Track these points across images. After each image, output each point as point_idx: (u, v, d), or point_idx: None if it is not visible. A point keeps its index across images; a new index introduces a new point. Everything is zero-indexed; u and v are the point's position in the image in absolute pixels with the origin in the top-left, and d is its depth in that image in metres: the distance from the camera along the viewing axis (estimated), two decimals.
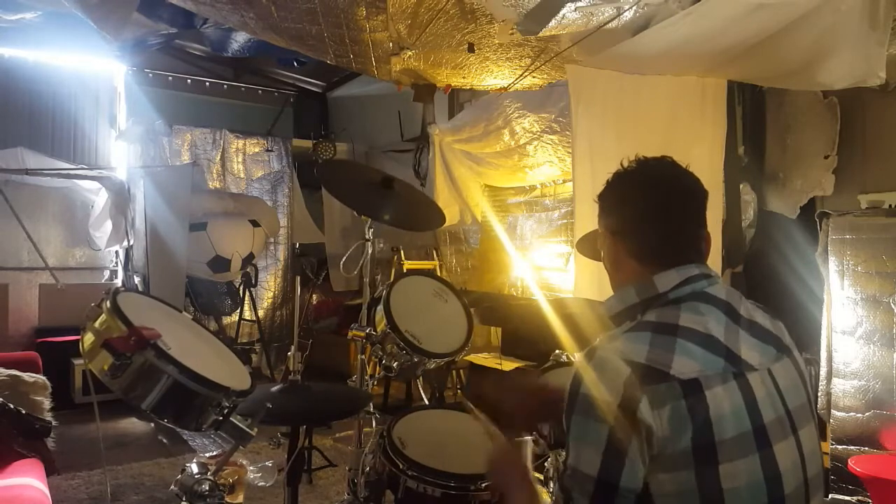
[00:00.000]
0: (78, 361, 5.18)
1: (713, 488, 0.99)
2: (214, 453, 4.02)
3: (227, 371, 1.65)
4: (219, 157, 6.40)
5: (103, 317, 1.49)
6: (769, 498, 1.02)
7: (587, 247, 2.48)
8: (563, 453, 2.04)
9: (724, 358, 1.06)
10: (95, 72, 6.14)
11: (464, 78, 3.96)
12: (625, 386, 1.01)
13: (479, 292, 5.41)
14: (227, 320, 6.34)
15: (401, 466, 1.71)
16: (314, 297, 6.77)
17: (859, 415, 3.01)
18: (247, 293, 6.19)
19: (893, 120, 3.14)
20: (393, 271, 5.72)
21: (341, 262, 2.35)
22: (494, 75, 3.85)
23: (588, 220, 3.02)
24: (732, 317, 1.13)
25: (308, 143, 6.87)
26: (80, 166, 5.79)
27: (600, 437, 1.01)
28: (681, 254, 1.18)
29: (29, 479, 2.56)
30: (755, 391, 1.05)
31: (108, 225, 5.61)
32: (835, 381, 3.08)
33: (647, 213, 1.20)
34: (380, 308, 2.10)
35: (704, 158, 3.21)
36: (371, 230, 2.29)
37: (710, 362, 1.04)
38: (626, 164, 1.24)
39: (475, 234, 5.79)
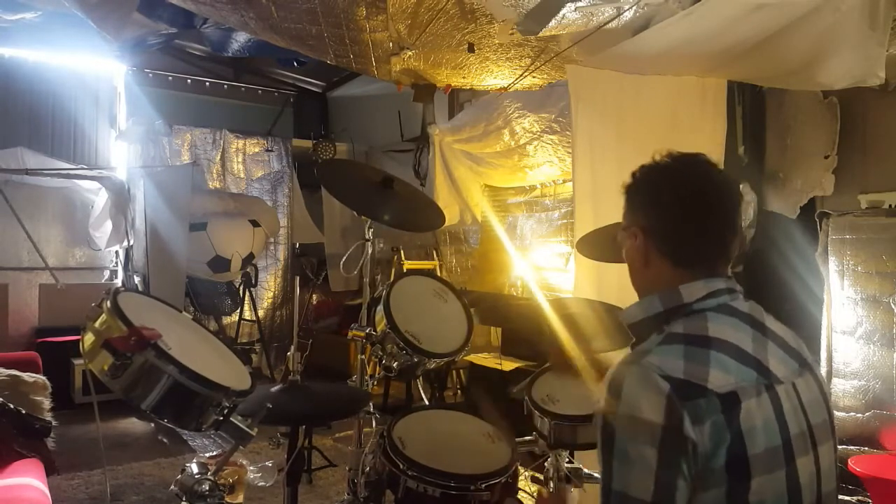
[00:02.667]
0: (78, 361, 5.18)
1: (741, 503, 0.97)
2: (214, 453, 4.02)
3: (227, 371, 1.65)
4: (219, 157, 6.41)
5: (103, 317, 1.49)
6: None
7: (587, 247, 2.48)
8: (565, 455, 2.04)
9: (756, 370, 1.04)
10: (95, 72, 6.14)
11: (464, 78, 3.97)
12: (667, 403, 0.97)
13: (479, 292, 5.41)
14: (227, 320, 6.34)
15: (401, 466, 1.71)
16: (314, 297, 6.77)
17: (859, 415, 3.01)
18: (247, 293, 6.19)
19: (893, 120, 3.14)
20: (393, 271, 5.72)
21: (341, 262, 2.34)
22: (494, 75, 3.85)
23: (588, 220, 3.02)
24: (759, 329, 1.11)
25: (308, 143, 6.87)
26: (80, 166, 5.79)
27: (649, 459, 0.97)
28: (713, 264, 1.15)
29: (29, 479, 2.56)
30: (783, 404, 1.04)
31: (108, 225, 5.61)
32: (835, 381, 3.08)
33: (691, 214, 1.14)
34: (380, 308, 2.09)
35: None
36: (371, 230, 2.29)
37: (743, 374, 1.02)
38: (657, 157, 1.19)
39: (475, 234, 5.79)
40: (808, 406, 1.09)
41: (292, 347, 2.00)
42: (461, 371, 5.32)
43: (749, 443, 0.98)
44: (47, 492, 2.54)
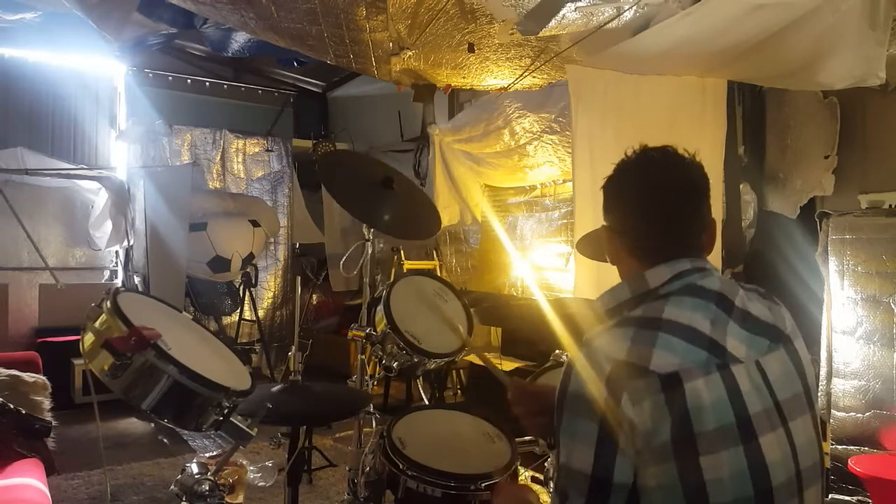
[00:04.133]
0: (78, 361, 5.18)
1: (695, 480, 0.99)
2: (214, 453, 4.01)
3: (227, 371, 1.65)
4: (219, 157, 6.41)
5: (103, 317, 1.49)
6: (755, 489, 1.02)
7: (587, 247, 2.48)
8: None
9: (707, 350, 1.06)
10: (95, 72, 6.13)
11: (464, 78, 3.97)
12: (607, 382, 1.02)
13: (479, 292, 5.41)
14: (227, 320, 6.34)
15: (401, 466, 1.71)
16: (314, 297, 6.77)
17: (859, 415, 3.01)
18: (247, 293, 6.18)
19: (893, 120, 3.14)
20: (393, 271, 5.72)
21: (341, 263, 2.34)
22: (494, 75, 3.85)
23: (588, 219, 3.02)
24: (724, 308, 1.12)
25: (308, 143, 6.88)
26: (80, 166, 5.79)
27: (590, 433, 1.02)
28: (674, 249, 1.17)
29: (29, 479, 2.56)
30: (740, 383, 1.05)
31: (108, 225, 5.61)
32: (835, 381, 3.08)
33: (642, 211, 1.19)
34: (380, 308, 2.09)
35: (704, 158, 3.14)
36: (371, 230, 2.29)
37: (691, 354, 1.04)
38: (629, 153, 1.23)
39: (475, 234, 5.79)
40: (776, 382, 1.09)
41: (293, 347, 2.00)
42: (461, 371, 5.33)
43: (696, 421, 1.00)
44: (47, 492, 2.54)
